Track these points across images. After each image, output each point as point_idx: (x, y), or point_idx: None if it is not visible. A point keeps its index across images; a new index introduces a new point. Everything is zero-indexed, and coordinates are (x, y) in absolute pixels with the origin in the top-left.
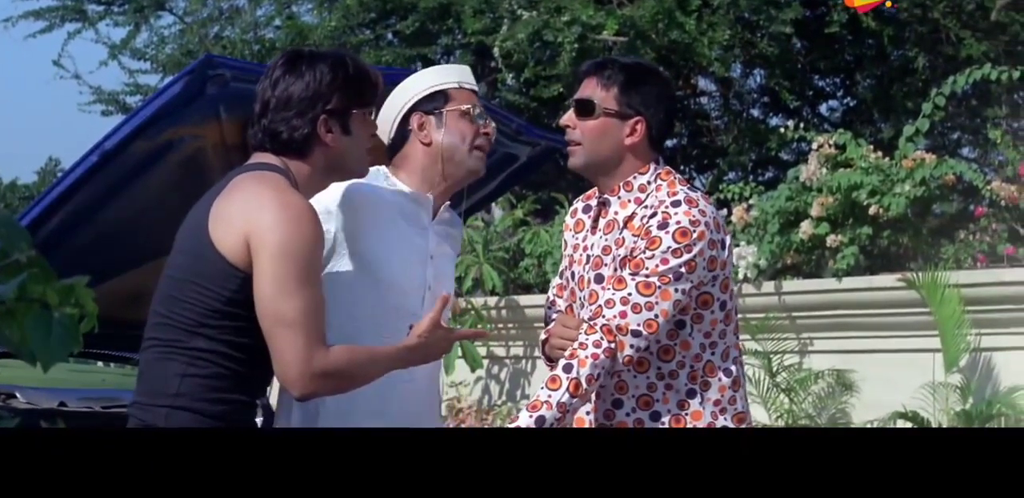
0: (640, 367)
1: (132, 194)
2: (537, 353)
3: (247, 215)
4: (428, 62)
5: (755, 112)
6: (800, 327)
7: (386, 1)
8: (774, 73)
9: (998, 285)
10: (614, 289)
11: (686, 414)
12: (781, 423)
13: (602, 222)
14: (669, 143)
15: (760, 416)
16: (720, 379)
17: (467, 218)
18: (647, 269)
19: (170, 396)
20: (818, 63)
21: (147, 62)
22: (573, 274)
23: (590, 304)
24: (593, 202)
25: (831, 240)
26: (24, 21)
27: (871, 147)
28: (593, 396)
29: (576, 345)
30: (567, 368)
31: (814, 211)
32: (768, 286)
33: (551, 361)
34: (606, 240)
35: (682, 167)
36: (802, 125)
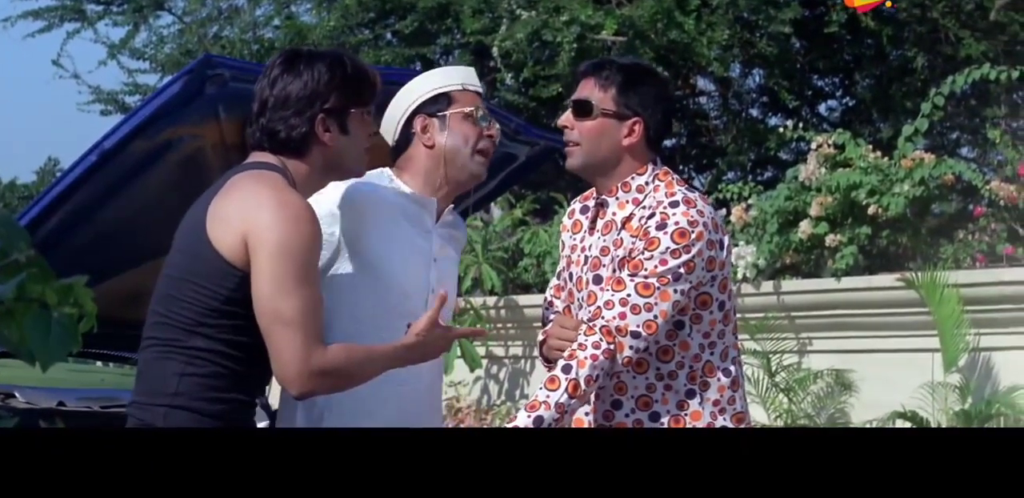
0: (639, 368)
1: (131, 194)
2: (536, 353)
3: (245, 214)
4: (427, 62)
5: (754, 112)
6: (799, 327)
7: (385, 1)
8: (773, 73)
9: (997, 285)
10: (613, 290)
11: (685, 414)
12: (780, 423)
13: (600, 223)
14: (668, 143)
15: (759, 416)
16: (719, 379)
17: (466, 218)
18: (646, 270)
19: (168, 395)
20: (817, 63)
21: (146, 62)
22: (571, 275)
23: (589, 305)
24: (591, 203)
25: (830, 240)
26: (23, 21)
27: (870, 147)
28: (592, 397)
29: (575, 346)
30: (566, 369)
31: (813, 211)
32: (767, 286)
33: (548, 362)
34: (604, 241)
35: (681, 167)
36: (801, 125)
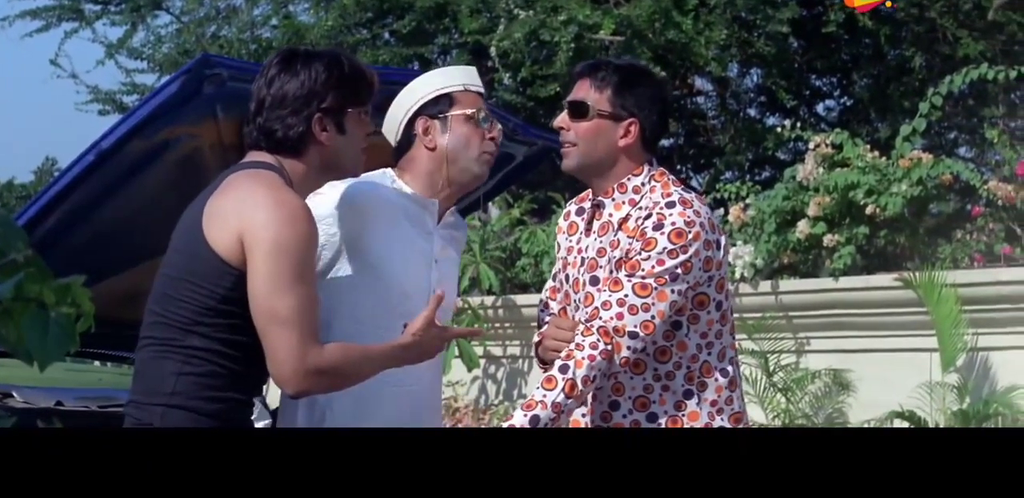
0: (637, 369)
1: (129, 193)
2: (534, 353)
3: (241, 213)
4: (425, 62)
5: (752, 112)
6: (797, 327)
7: (383, 1)
8: (771, 72)
9: (995, 284)
10: (610, 291)
11: (683, 415)
12: (778, 423)
13: (596, 224)
14: (666, 142)
15: (757, 416)
16: (717, 379)
17: (464, 217)
18: (643, 270)
19: (166, 394)
20: (815, 62)
21: (144, 61)
22: (567, 277)
23: (586, 306)
24: (587, 204)
25: (828, 240)
26: (21, 20)
27: (868, 147)
28: (589, 398)
29: (572, 346)
30: (563, 369)
31: (811, 211)
32: (765, 286)
33: (544, 363)
34: (601, 242)
35: (679, 166)
36: (799, 125)
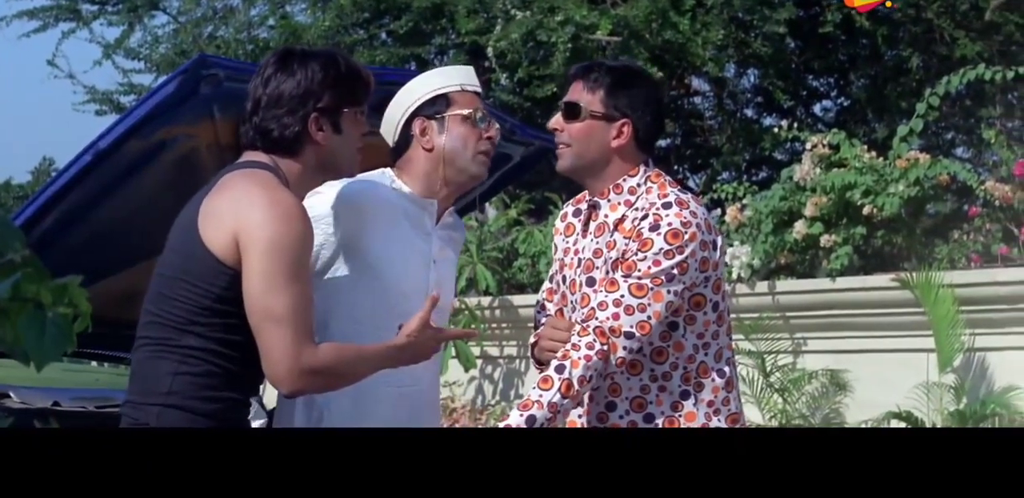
0: (633, 369)
1: (126, 194)
2: (530, 353)
3: (236, 212)
4: (422, 62)
5: (749, 112)
6: (794, 327)
7: (380, 1)
8: (768, 73)
9: (992, 285)
10: (606, 291)
11: (680, 416)
12: (775, 423)
13: (592, 225)
14: (663, 143)
15: (754, 416)
16: (713, 380)
17: (462, 217)
18: (639, 271)
19: (162, 394)
20: (812, 63)
21: (141, 62)
22: (564, 278)
23: (582, 307)
24: (583, 205)
25: (825, 240)
26: (18, 20)
27: (865, 147)
28: (586, 398)
29: (569, 346)
30: (559, 369)
31: (808, 211)
32: (762, 286)
33: (540, 364)
34: (597, 243)
35: (676, 167)
36: (796, 125)
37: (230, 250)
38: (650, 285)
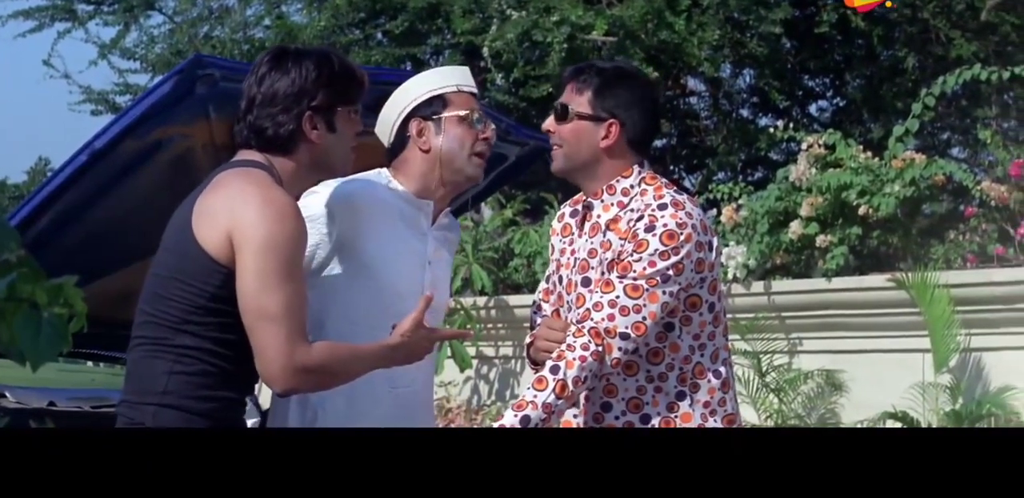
0: (629, 370)
1: (121, 193)
2: (526, 354)
3: (230, 211)
4: (417, 62)
5: (744, 112)
6: (789, 327)
7: (375, 1)
8: (763, 73)
9: (988, 285)
10: (602, 292)
11: (676, 417)
12: (770, 423)
13: (587, 226)
14: (658, 143)
15: (749, 416)
16: (709, 381)
17: (457, 217)
18: (634, 272)
19: (158, 394)
20: (808, 63)
21: (137, 62)
22: (561, 278)
23: (577, 307)
24: (580, 206)
25: (820, 240)
26: (14, 21)
27: (861, 147)
28: (582, 399)
29: (564, 347)
30: (554, 369)
31: (803, 211)
32: (757, 286)
33: (536, 364)
34: (591, 243)
35: (671, 167)
36: (791, 125)
37: (224, 249)
38: (645, 286)
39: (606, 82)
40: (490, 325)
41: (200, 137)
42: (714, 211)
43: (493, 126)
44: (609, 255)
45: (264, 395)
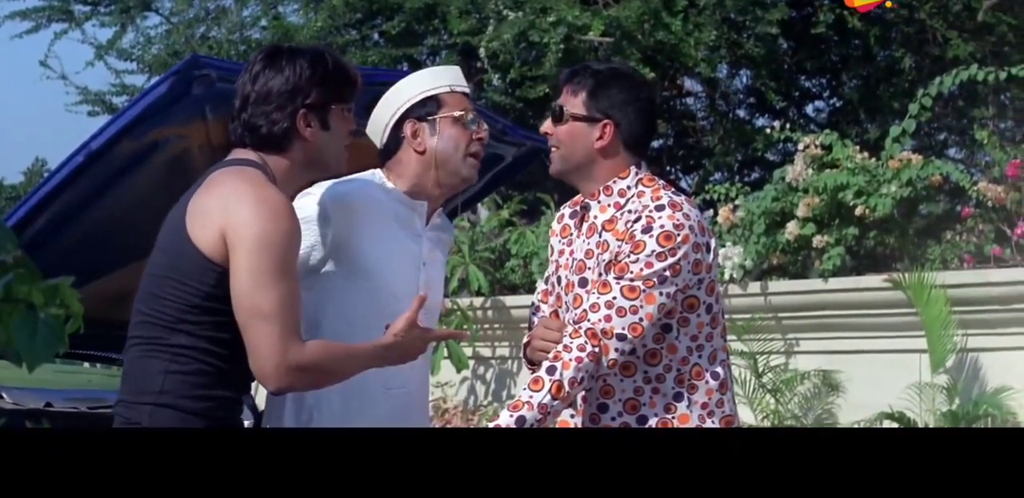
0: (626, 371)
1: (118, 194)
2: (523, 354)
3: (224, 210)
4: (414, 63)
5: (741, 113)
6: (786, 328)
7: (372, 2)
8: (760, 74)
9: (985, 286)
10: (599, 293)
11: (673, 418)
12: (767, 424)
13: (584, 226)
14: (655, 144)
15: (746, 417)
16: (707, 382)
17: (453, 219)
18: (631, 273)
19: (154, 393)
20: (804, 64)
21: (133, 62)
22: (559, 279)
23: (575, 308)
24: (579, 207)
25: (817, 241)
26: (10, 21)
27: (857, 148)
28: (579, 400)
29: (560, 348)
30: (550, 370)
31: (800, 212)
32: (754, 287)
33: (532, 364)
34: (588, 244)
35: (668, 168)
36: (788, 126)
37: (218, 247)
38: (642, 287)
39: (600, 83)
40: (486, 326)
41: (196, 138)
42: (710, 212)
43: (486, 126)
44: (606, 256)
45: (260, 397)
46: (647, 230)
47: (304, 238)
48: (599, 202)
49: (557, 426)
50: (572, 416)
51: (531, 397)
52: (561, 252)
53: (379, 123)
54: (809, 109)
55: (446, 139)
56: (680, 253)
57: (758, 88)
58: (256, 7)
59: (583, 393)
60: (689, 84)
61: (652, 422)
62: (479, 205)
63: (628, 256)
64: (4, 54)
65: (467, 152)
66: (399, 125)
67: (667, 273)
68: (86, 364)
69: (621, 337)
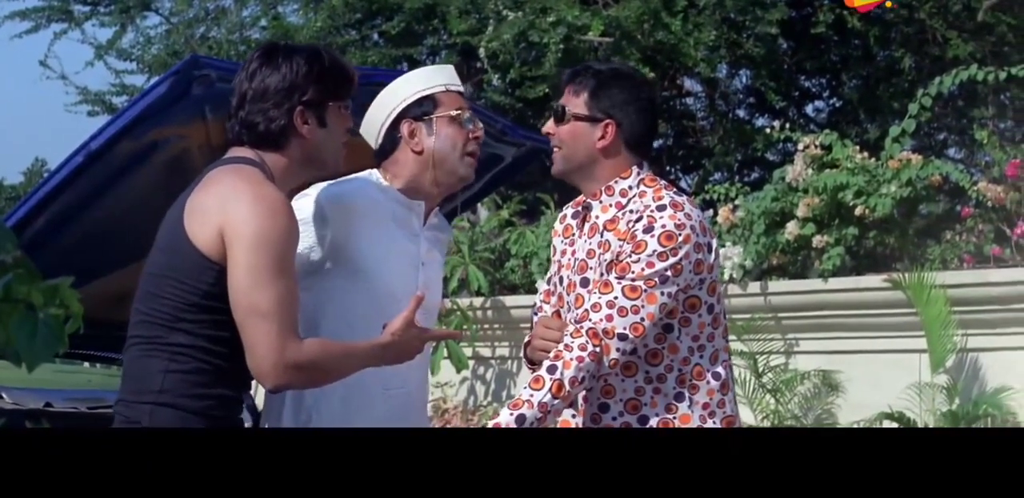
0: (628, 371)
1: (118, 194)
2: (523, 354)
3: (222, 208)
4: (414, 63)
5: (741, 113)
6: (786, 328)
7: (372, 2)
8: (760, 74)
9: (984, 286)
10: (600, 293)
11: (674, 418)
12: (767, 424)
13: (586, 226)
14: (654, 144)
15: (746, 417)
16: (708, 382)
17: (452, 219)
18: (633, 273)
19: (154, 393)
20: (804, 63)
21: (133, 62)
22: (562, 279)
23: (576, 308)
24: (581, 208)
25: (817, 241)
26: (10, 21)
27: (857, 148)
28: (580, 400)
29: (561, 347)
30: (551, 369)
31: (800, 212)
32: (754, 287)
33: (532, 363)
34: (590, 244)
35: (668, 168)
36: (788, 126)
37: (216, 246)
38: (643, 287)
39: (602, 83)
40: (486, 326)
41: (196, 138)
42: (710, 212)
43: (481, 125)
44: (608, 256)
45: (259, 397)
46: (649, 230)
47: (302, 239)
48: (601, 202)
49: (559, 426)
50: (573, 416)
51: (532, 396)
52: (563, 252)
53: (374, 123)
54: (809, 109)
55: (443, 138)
56: (681, 253)
57: (758, 88)
58: (256, 7)
59: (584, 393)
60: (689, 84)
61: (653, 422)
62: (479, 205)
63: (630, 256)
64: (4, 54)
65: (464, 151)
66: (395, 125)
67: (668, 273)
68: (86, 364)
69: (622, 337)
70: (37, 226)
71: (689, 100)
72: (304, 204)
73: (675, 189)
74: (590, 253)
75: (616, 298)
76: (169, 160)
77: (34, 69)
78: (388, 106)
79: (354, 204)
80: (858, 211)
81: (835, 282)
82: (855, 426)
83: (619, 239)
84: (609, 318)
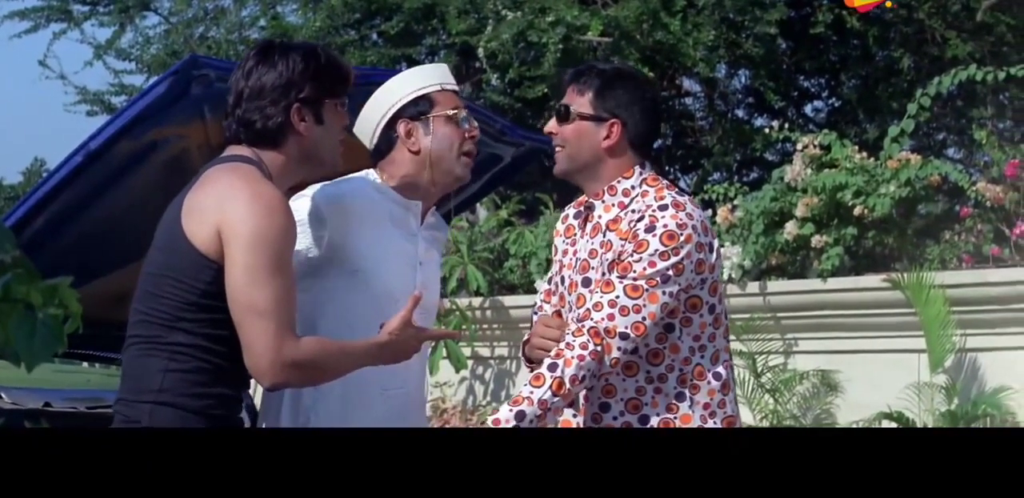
0: (629, 371)
1: (117, 194)
2: (522, 354)
3: (219, 206)
4: (413, 62)
5: (740, 113)
6: (785, 328)
7: (371, 2)
8: (759, 74)
9: (983, 286)
10: (602, 292)
11: (675, 418)
12: (766, 423)
13: (588, 226)
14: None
15: (745, 416)
16: (709, 382)
17: (451, 220)
18: (634, 272)
19: (153, 392)
20: (803, 63)
21: (132, 62)
22: (563, 279)
23: (578, 307)
24: (583, 207)
25: (816, 241)
26: (9, 21)
27: (856, 148)
28: (581, 399)
29: (563, 345)
30: (552, 367)
31: (799, 212)
32: (753, 287)
33: (530, 362)
34: (592, 244)
35: (667, 168)
36: (787, 126)
37: (213, 244)
38: (645, 286)
39: (606, 83)
40: (485, 326)
41: (196, 138)
42: (709, 212)
43: (477, 124)
44: (610, 255)
45: (258, 397)
46: (650, 229)
47: (300, 240)
48: (603, 202)
49: (559, 425)
50: (574, 415)
51: (532, 393)
52: (565, 252)
53: (370, 123)
54: (808, 109)
55: (440, 138)
56: (683, 252)
57: (757, 88)
58: (255, 7)
59: (585, 392)
60: (688, 84)
61: (654, 422)
62: (478, 205)
63: (631, 255)
64: (3, 54)
65: (461, 151)
66: (391, 125)
67: (670, 272)
68: (85, 364)
69: (624, 336)
70: (36, 226)
71: (688, 100)
72: (301, 205)
73: (677, 189)
74: (592, 253)
75: (618, 297)
76: (168, 160)
77: (33, 69)
78: (384, 105)
79: (351, 204)
80: (857, 211)
81: (834, 282)
82: (854, 426)
83: (621, 239)
84: (611, 317)
